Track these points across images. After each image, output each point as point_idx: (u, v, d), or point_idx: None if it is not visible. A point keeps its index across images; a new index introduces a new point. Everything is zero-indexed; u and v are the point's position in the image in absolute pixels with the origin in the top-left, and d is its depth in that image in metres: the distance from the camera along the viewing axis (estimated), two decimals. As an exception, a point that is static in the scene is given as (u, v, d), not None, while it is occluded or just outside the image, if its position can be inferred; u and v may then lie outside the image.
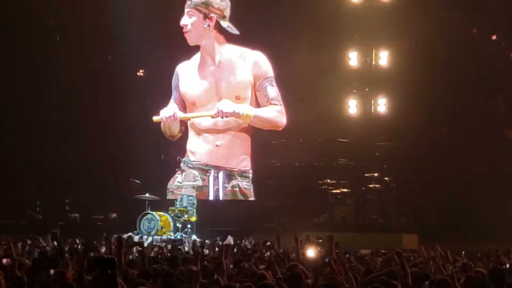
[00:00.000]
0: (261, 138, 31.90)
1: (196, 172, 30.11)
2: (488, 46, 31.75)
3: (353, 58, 31.50)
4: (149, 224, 28.41)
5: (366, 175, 31.02)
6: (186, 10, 31.53)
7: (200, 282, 9.90)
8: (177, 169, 30.81)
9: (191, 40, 31.60)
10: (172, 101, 31.94)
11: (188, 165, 30.12)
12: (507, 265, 14.21)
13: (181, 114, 30.69)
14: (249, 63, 31.01)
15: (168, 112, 30.40)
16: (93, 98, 33.47)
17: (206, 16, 31.20)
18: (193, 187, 29.45)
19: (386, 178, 30.62)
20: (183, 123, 31.59)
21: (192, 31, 31.30)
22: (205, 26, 31.30)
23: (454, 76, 30.47)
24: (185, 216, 28.15)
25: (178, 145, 32.41)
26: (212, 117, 30.14)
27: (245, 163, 31.40)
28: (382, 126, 31.48)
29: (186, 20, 31.39)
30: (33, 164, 32.65)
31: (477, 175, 29.10)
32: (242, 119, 30.17)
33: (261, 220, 30.03)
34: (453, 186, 29.51)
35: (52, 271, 11.30)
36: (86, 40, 34.32)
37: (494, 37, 32.87)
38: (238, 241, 24.29)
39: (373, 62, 31.50)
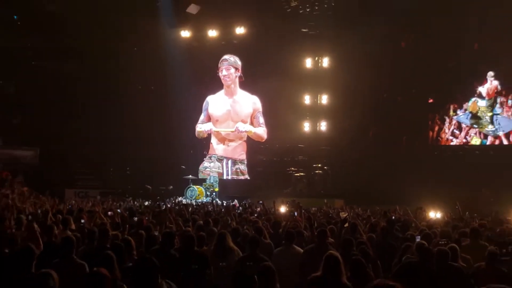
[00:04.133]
0: (254, 144, 38.05)
1: (219, 164, 37.17)
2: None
3: (306, 99, 37.44)
4: (191, 193, 34.25)
5: (314, 165, 37.32)
6: (224, 64, 37.08)
7: (222, 225, 14.37)
8: (204, 158, 38.07)
9: (227, 83, 37.49)
10: (202, 117, 38.37)
11: (214, 157, 37.23)
12: (393, 217, 16.62)
13: (214, 128, 37.75)
14: (250, 102, 37.49)
15: (206, 128, 37.74)
16: (167, 116, 38.11)
17: (236, 69, 36.92)
18: (216, 172, 36.26)
19: (325, 167, 36.79)
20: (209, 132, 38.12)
21: (230, 78, 37.07)
22: (237, 75, 37.18)
23: (370, 108, 33.87)
24: (212, 188, 34.66)
25: (201, 146, 39.18)
26: (232, 132, 36.93)
27: (243, 156, 37.95)
28: (323, 138, 37.22)
29: (226, 71, 37.11)
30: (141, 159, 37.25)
31: (385, 164, 32.34)
32: (248, 134, 36.84)
33: (253, 190, 34.28)
34: (368, 170, 32.74)
35: (135, 219, 15.38)
36: (159, 85, 39.91)
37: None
38: (243, 202, 28.79)
39: (318, 102, 37.10)
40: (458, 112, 33.35)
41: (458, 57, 31.95)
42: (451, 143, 34.06)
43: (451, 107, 33.61)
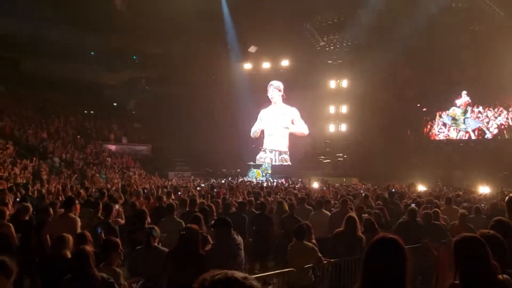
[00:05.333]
0: (293, 140, 37.44)
1: (270, 154, 37.24)
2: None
3: (331, 109, 36.67)
4: (252, 174, 34.19)
5: (337, 154, 36.16)
6: (271, 87, 37.20)
7: (273, 195, 14.47)
8: (260, 151, 37.90)
9: (273, 100, 37.58)
10: (257, 123, 38.45)
11: (267, 150, 37.42)
12: (393, 190, 16.38)
13: (265, 131, 37.93)
14: (290, 112, 37.02)
15: (258, 130, 38.09)
16: (235, 122, 37.74)
17: (279, 90, 36.80)
18: (269, 159, 36.60)
19: (345, 156, 35.55)
20: (262, 132, 38.54)
21: (274, 97, 37.36)
22: (280, 94, 37.04)
23: (378, 114, 31.77)
24: (266, 171, 34.81)
25: (258, 143, 38.67)
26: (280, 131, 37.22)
27: (286, 149, 37.60)
28: (343, 135, 36.09)
29: (272, 93, 37.35)
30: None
31: (387, 152, 30.44)
32: (294, 132, 36.80)
33: (294, 172, 33.29)
34: (376, 156, 30.89)
35: (215, 191, 16.93)
36: (230, 101, 39.75)
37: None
38: (289, 180, 28.25)
39: (339, 110, 36.26)
40: (443, 116, 33.50)
41: (443, 80, 31.42)
42: (437, 137, 33.87)
43: (438, 113, 33.75)
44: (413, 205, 10.73)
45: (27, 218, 9.03)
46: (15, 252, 7.65)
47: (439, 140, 33.79)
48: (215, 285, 1.20)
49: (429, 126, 34.36)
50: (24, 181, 20.69)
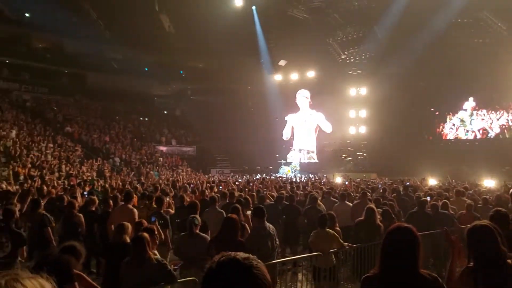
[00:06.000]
0: (320, 140, 36.91)
1: (299, 153, 36.65)
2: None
3: (351, 114, 36.10)
4: (283, 170, 33.56)
5: (357, 153, 35.61)
6: (298, 96, 36.75)
7: (302, 189, 14.45)
8: (290, 150, 37.41)
9: (302, 106, 37.02)
10: (286, 126, 37.76)
11: (296, 149, 36.85)
12: (407, 184, 16.45)
13: (295, 132, 37.16)
14: (316, 116, 36.17)
15: (288, 134, 37.42)
16: (268, 125, 37.79)
17: (306, 98, 36.30)
18: (298, 158, 36.02)
19: (364, 154, 34.96)
20: (292, 134, 37.71)
21: (301, 104, 36.92)
22: (307, 101, 36.64)
23: (392, 118, 31.33)
24: (295, 167, 34.29)
25: (288, 144, 38.14)
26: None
27: (313, 148, 37.07)
28: (362, 136, 35.72)
29: (299, 100, 36.92)
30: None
31: (404, 150, 29.41)
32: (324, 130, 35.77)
33: (320, 169, 32.61)
34: (392, 154, 30.10)
35: (250, 185, 17.73)
36: (263, 108, 38.98)
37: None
38: (316, 176, 27.79)
39: (359, 115, 35.78)
40: (453, 118, 32.98)
41: (452, 87, 30.76)
42: (448, 137, 33.18)
43: (448, 116, 33.23)
44: (428, 198, 10.51)
45: (93, 209, 9.22)
46: (82, 239, 7.79)
47: (449, 139, 33.05)
48: (220, 265, 1.21)
49: (441, 127, 33.68)
50: (90, 178, 21.07)
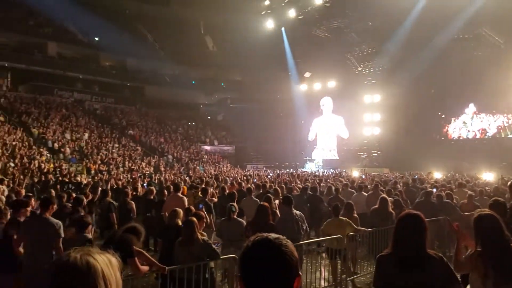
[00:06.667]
0: (340, 140, 36.27)
1: (322, 151, 36.22)
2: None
3: (366, 117, 34.74)
4: (308, 166, 33.59)
5: (372, 151, 34.04)
6: (321, 103, 36.59)
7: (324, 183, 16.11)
8: (315, 147, 37.21)
9: (324, 111, 36.86)
10: (311, 129, 37.42)
11: (319, 148, 36.58)
12: (415, 177, 16.86)
13: (318, 134, 36.90)
14: (337, 120, 35.78)
15: (313, 135, 37.10)
16: (293, 128, 37.15)
17: (329, 104, 36.25)
18: (321, 155, 35.56)
19: (378, 152, 33.92)
20: (316, 135, 37.49)
21: (324, 110, 36.74)
22: (329, 107, 36.31)
23: (404, 120, 30.45)
24: (318, 163, 34.05)
25: (312, 143, 37.53)
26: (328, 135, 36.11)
27: (334, 147, 36.36)
28: (377, 137, 34.33)
29: (323, 106, 36.59)
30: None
31: (412, 148, 28.02)
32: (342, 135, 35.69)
33: (340, 164, 32.78)
34: (403, 152, 28.96)
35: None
36: (291, 114, 38.50)
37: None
38: (336, 170, 27.87)
39: (373, 118, 34.35)
40: (456, 120, 31.93)
41: (456, 94, 29.88)
42: (452, 137, 32.07)
43: (453, 118, 32.12)
44: (434, 189, 10.26)
45: (151, 197, 9.35)
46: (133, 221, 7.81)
47: (453, 138, 31.98)
48: (255, 244, 1.22)
49: (446, 128, 32.66)
50: (149, 172, 21.56)
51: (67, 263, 1.01)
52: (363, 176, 20.36)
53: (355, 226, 6.60)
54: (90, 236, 4.69)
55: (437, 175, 20.28)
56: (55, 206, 5.18)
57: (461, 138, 31.50)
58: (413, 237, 2.51)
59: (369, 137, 35.33)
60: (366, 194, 9.99)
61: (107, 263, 1.05)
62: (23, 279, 4.51)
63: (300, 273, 1.24)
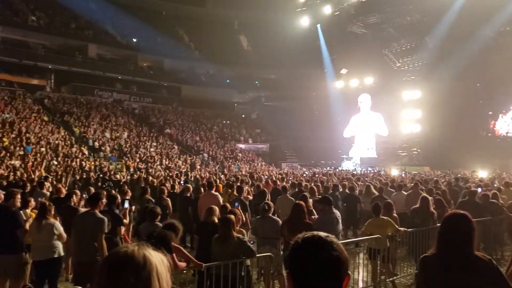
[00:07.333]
0: (378, 138, 35.56)
1: (359, 149, 35.46)
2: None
3: (406, 114, 33.54)
4: (345, 164, 33.02)
5: (412, 149, 33.28)
6: (359, 100, 36.08)
7: (362, 180, 15.02)
8: (352, 145, 36.49)
9: (362, 108, 36.37)
10: (349, 126, 36.76)
11: (356, 146, 35.90)
12: (458, 175, 16.05)
13: (356, 132, 36.58)
14: (376, 117, 35.09)
15: (350, 132, 36.47)
16: (332, 125, 35.91)
17: (366, 102, 35.86)
18: (358, 154, 34.80)
19: (418, 150, 32.75)
20: (353, 133, 36.88)
21: (362, 107, 36.23)
22: (367, 104, 35.92)
23: (444, 117, 28.74)
24: (356, 162, 33.42)
25: (350, 141, 37.02)
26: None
27: (373, 145, 35.60)
28: (417, 134, 33.16)
29: (361, 103, 36.14)
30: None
31: (456, 145, 27.26)
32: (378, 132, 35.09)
33: (378, 162, 32.28)
34: (445, 149, 28.33)
35: (316, 175, 18.89)
36: (327, 111, 37.88)
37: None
38: (374, 169, 27.20)
39: (414, 115, 33.15)
40: (503, 117, 30.95)
41: (504, 89, 28.84)
42: (500, 133, 30.91)
43: (501, 114, 31.07)
44: (479, 189, 9.85)
45: (188, 195, 9.47)
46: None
47: (500, 135, 30.73)
48: (305, 241, 1.21)
49: (493, 124, 31.49)
50: (185, 170, 21.93)
51: (125, 253, 1.03)
52: (403, 175, 19.87)
53: (396, 226, 6.45)
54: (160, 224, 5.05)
55: (482, 174, 19.54)
56: (104, 201, 5.51)
57: (509, 134, 30.24)
58: (460, 238, 2.40)
59: (409, 134, 34.34)
60: (405, 193, 9.77)
61: (160, 260, 1.07)
62: (73, 266, 5.16)
63: (349, 272, 1.23)
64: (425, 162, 30.35)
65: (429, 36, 29.58)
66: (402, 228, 6.52)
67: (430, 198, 7.45)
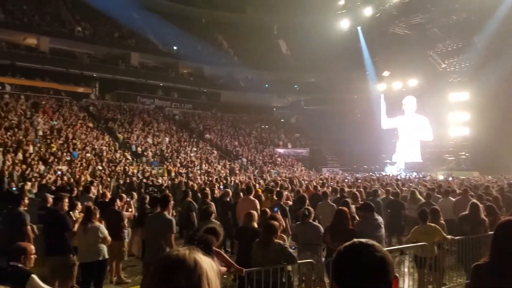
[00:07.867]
0: (423, 143, 33.99)
1: (403, 153, 34.25)
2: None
3: (453, 116, 32.23)
4: (388, 169, 32.00)
5: (459, 153, 31.67)
6: (404, 102, 34.89)
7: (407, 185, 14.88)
8: (396, 150, 35.58)
9: (407, 111, 35.04)
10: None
11: (400, 150, 34.48)
12: (511, 181, 14.56)
13: (400, 135, 35.22)
14: (421, 120, 33.79)
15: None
16: (376, 128, 34.96)
17: (411, 104, 34.35)
18: (403, 159, 33.63)
19: (467, 154, 30.90)
20: (397, 137, 35.65)
21: (406, 109, 34.99)
22: (411, 107, 34.64)
23: (494, 119, 27.37)
24: (399, 167, 32.52)
25: (393, 145, 35.98)
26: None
27: (417, 150, 34.04)
28: (465, 138, 31.46)
29: (406, 106, 34.94)
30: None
31: (506, 148, 25.57)
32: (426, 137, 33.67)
33: (423, 167, 31.14)
34: (494, 153, 26.80)
35: (359, 181, 18.05)
36: (369, 113, 37.64)
37: None
38: (420, 174, 26.38)
39: (461, 118, 31.88)
40: None
41: None
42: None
43: None
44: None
45: (227, 199, 9.57)
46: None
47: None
48: (346, 248, 1.21)
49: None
50: (224, 175, 22.16)
51: (177, 257, 1.06)
52: (450, 179, 19.16)
53: (444, 233, 6.23)
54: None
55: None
56: (172, 202, 5.90)
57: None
58: (516, 246, 2.27)
59: (456, 138, 33.02)
60: (453, 199, 9.40)
61: (210, 265, 1.09)
62: (146, 265, 5.57)
63: (397, 275, 1.21)
64: (473, 166, 29.24)
65: (478, 36, 28.46)
66: (449, 236, 6.29)
67: (480, 204, 7.14)
